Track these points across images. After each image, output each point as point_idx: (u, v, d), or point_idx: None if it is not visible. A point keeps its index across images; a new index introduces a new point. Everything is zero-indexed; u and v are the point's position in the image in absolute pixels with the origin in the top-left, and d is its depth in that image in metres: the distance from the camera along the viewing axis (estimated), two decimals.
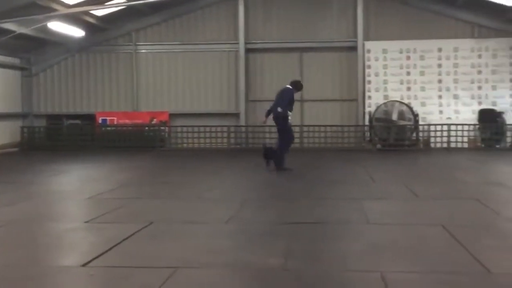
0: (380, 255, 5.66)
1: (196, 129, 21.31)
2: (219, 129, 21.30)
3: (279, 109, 13.05)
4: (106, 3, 19.45)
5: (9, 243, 6.37)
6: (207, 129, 21.24)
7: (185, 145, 21.48)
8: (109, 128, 21.85)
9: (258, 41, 21.97)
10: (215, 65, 22.21)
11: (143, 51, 22.46)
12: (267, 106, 22.09)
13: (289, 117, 13.38)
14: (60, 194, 10.19)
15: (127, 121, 21.97)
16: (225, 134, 21.33)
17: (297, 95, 20.34)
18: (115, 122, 22.02)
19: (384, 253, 5.73)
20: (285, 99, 13.14)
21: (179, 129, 21.65)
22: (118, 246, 6.12)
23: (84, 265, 5.33)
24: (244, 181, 12.35)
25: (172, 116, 22.13)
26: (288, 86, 13.47)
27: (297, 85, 13.68)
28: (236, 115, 22.00)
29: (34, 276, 5.03)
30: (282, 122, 13.20)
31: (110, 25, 21.89)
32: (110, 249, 5.96)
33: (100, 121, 22.04)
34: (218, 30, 22.14)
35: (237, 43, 21.84)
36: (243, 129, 21.77)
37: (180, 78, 22.35)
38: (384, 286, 4.65)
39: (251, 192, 10.53)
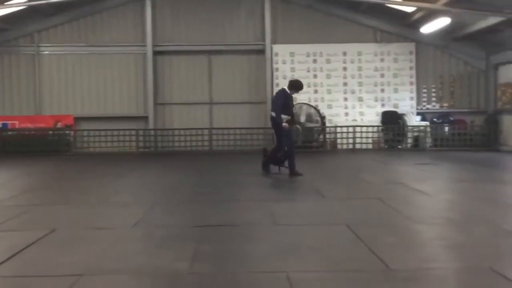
0: (286, 256, 5.74)
1: (103, 132, 20.85)
2: (127, 132, 20.94)
3: (272, 114, 12.74)
4: (6, 3, 18.70)
5: None
6: (115, 132, 20.83)
7: (92, 149, 20.96)
8: (10, 133, 20.97)
9: (166, 44, 21.80)
10: (123, 67, 21.84)
11: (46, 52, 21.74)
12: (177, 109, 22.26)
13: (284, 121, 12.55)
14: None
15: (29, 125, 21.15)
16: (134, 138, 20.99)
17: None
18: (17, 126, 21.16)
19: (290, 254, 5.82)
20: (277, 103, 12.59)
21: (85, 133, 21.11)
22: (19, 254, 5.88)
23: None
24: (153, 185, 12.20)
25: (78, 119, 21.55)
26: (284, 87, 12.89)
27: (293, 85, 12.76)
28: (145, 118, 21.72)
29: None
30: (276, 128, 12.74)
31: (10, 26, 21.07)
32: (10, 258, 5.72)
33: (0, 126, 21.11)
34: (125, 32, 21.79)
35: (145, 46, 21.59)
36: (152, 132, 21.51)
37: (85, 80, 21.81)
38: (289, 285, 4.72)
39: (160, 195, 10.40)
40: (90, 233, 6.96)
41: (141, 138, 21.25)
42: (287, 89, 12.65)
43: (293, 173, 12.67)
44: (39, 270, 5.35)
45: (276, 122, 12.58)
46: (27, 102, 21.69)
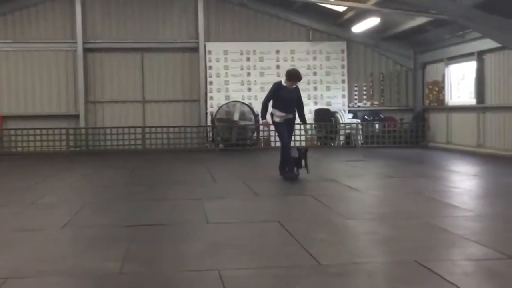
0: (218, 254, 5.74)
1: (32, 131, 20.25)
2: (57, 131, 20.42)
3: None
4: None
5: None
6: (44, 131, 20.28)
7: (19, 149, 20.32)
8: None
9: (97, 41, 21.38)
10: (52, 64, 21.27)
11: None
12: (109, 107, 21.87)
13: (275, 117, 11.58)
14: None
15: None
16: (64, 137, 20.49)
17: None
18: None
19: (223, 252, 5.82)
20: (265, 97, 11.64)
21: (12, 132, 20.44)
22: None
23: None
24: (84, 185, 11.96)
25: (5, 118, 20.84)
26: (280, 80, 11.71)
27: (287, 75, 11.40)
28: (76, 117, 21.23)
29: None
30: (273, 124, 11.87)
31: None
32: None
33: None
34: (55, 28, 21.23)
35: (75, 42, 21.09)
36: (83, 131, 21.05)
37: (13, 78, 21.11)
38: (221, 284, 4.72)
39: (91, 196, 10.21)
40: (18, 236, 6.75)
41: (71, 137, 20.77)
42: (283, 82, 11.40)
43: (282, 174, 11.65)
44: None
45: (273, 119, 11.64)
46: None
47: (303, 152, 11.49)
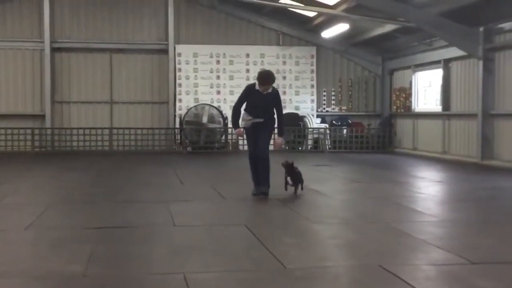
0: (184, 257, 5.72)
1: (16, 131, 19.92)
2: (22, 131, 20.10)
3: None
4: None
5: None
6: (9, 131, 19.96)
7: (1, 148, 19.94)
8: None
9: (65, 40, 21.15)
10: (18, 63, 20.97)
11: None
12: (76, 108, 21.62)
13: (241, 120, 9.91)
14: None
15: None
16: (29, 137, 20.18)
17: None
18: None
19: (189, 255, 5.81)
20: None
21: None
22: None
23: None
24: (48, 186, 11.78)
25: None
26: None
27: (258, 78, 9.66)
28: (41, 117, 20.94)
29: None
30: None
31: None
32: None
33: None
34: (21, 26, 20.94)
35: (42, 42, 20.82)
36: (49, 131, 20.76)
37: None
38: (185, 286, 4.71)
39: (55, 197, 10.07)
40: None
41: (37, 137, 20.47)
42: (257, 85, 9.65)
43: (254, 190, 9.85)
44: None
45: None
46: None
47: (288, 167, 9.73)
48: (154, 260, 5.66)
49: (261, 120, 9.65)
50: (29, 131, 20.21)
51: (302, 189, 9.98)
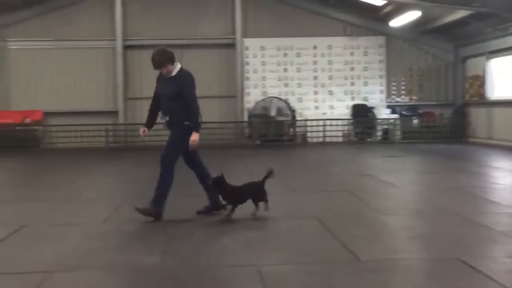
0: (257, 250, 5.76)
1: (72, 128, 20.61)
2: (96, 127, 20.73)
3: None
4: None
5: None
6: (84, 128, 20.61)
7: (61, 144, 20.70)
8: None
9: (137, 38, 21.60)
10: (92, 62, 21.59)
11: (14, 47, 21.37)
12: (147, 103, 21.97)
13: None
14: None
15: None
16: (103, 133, 20.79)
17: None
18: None
19: (261, 248, 5.85)
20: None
21: (54, 128, 20.84)
22: None
23: None
24: (122, 180, 12.11)
25: (47, 115, 21.23)
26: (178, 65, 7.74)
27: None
28: (114, 113, 21.52)
29: None
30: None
31: None
32: None
33: None
34: (95, 26, 21.54)
35: (115, 40, 21.37)
36: (122, 127, 21.32)
37: (55, 75, 21.50)
38: (259, 279, 4.74)
39: (130, 191, 10.34)
40: (59, 230, 6.88)
41: (110, 133, 21.06)
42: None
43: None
44: (7, 267, 5.28)
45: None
46: None
47: (217, 182, 7.42)
48: (228, 253, 5.73)
49: (167, 119, 7.69)
50: (102, 127, 20.81)
51: (263, 210, 7.44)
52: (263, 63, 21.75)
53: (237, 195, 7.32)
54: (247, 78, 21.68)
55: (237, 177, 11.75)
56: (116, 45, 21.37)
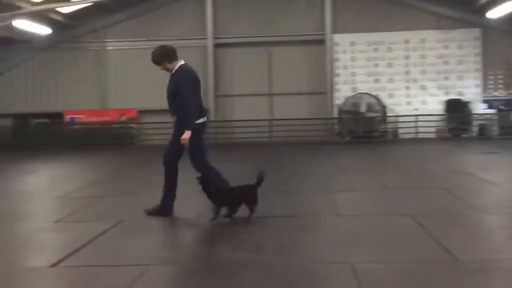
0: (350, 247, 5.70)
1: (165, 125, 21.10)
2: None
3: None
4: (72, 0, 19.22)
5: None
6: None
7: (154, 141, 21.31)
8: (77, 126, 21.61)
9: (227, 36, 21.94)
10: (184, 60, 22.02)
11: (111, 48, 22.25)
12: (237, 100, 22.38)
13: None
14: (28, 194, 10.03)
15: (95, 119, 21.73)
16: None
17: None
18: (83, 120, 21.77)
19: (354, 245, 5.78)
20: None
21: (148, 125, 21.51)
22: (88, 245, 6.05)
23: (53, 265, 5.26)
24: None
25: (142, 112, 21.95)
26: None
27: None
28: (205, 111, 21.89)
29: (3, 277, 4.95)
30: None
31: (76, 22, 21.65)
32: (80, 248, 5.89)
33: (68, 120, 21.77)
34: (186, 25, 22.06)
35: (206, 39, 21.78)
36: (213, 124, 21.68)
37: (148, 74, 22.03)
38: (353, 276, 4.69)
39: None
40: (156, 224, 7.08)
41: None
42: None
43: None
44: (108, 260, 5.49)
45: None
46: (93, 96, 22.26)
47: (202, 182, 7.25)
48: (320, 249, 5.70)
49: (174, 117, 7.47)
50: None
51: (251, 213, 7.09)
52: (353, 59, 21.51)
53: (222, 197, 7.13)
54: (337, 74, 21.50)
55: (328, 174, 11.71)
56: (207, 44, 21.77)
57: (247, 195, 7.13)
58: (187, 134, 7.09)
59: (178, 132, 7.25)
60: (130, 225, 6.99)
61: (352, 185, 10.04)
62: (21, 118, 22.45)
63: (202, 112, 7.42)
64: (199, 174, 7.22)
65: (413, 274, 4.77)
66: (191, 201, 8.74)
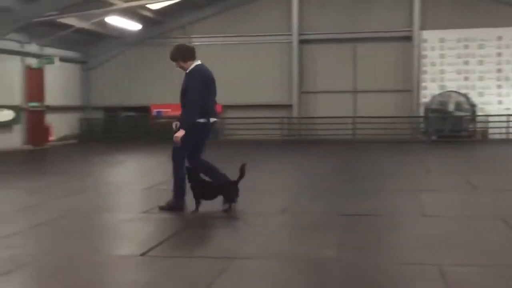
0: (436, 249, 5.55)
1: (248, 120, 21.40)
2: (271, 120, 21.33)
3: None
4: None
5: (68, 234, 6.53)
6: (260, 120, 21.30)
7: (237, 136, 21.60)
8: (163, 120, 22.14)
9: (312, 32, 21.84)
10: (268, 56, 22.21)
11: (197, 43, 22.55)
12: (320, 97, 22.27)
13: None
14: (116, 185, 10.40)
15: None
16: (278, 126, 21.33)
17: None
18: (169, 114, 22.27)
19: (441, 246, 5.63)
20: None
21: (232, 120, 21.78)
22: (175, 236, 6.21)
23: (142, 254, 5.42)
24: (297, 172, 12.33)
25: (225, 107, 22.23)
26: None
27: None
28: (289, 107, 21.95)
29: (94, 266, 5.15)
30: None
31: (165, 18, 22.18)
32: (167, 239, 6.05)
33: (154, 113, 22.36)
34: (271, 21, 22.12)
35: (291, 35, 21.79)
36: (296, 120, 21.72)
37: (233, 70, 22.42)
38: (441, 278, 4.56)
39: (304, 183, 10.47)
40: (239, 218, 7.15)
41: (285, 126, 21.55)
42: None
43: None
44: (194, 251, 5.61)
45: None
46: (180, 91, 22.69)
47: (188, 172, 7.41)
48: (405, 250, 5.60)
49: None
50: (277, 120, 21.37)
51: (228, 207, 7.27)
52: (441, 56, 20.91)
53: (203, 189, 7.26)
54: (424, 72, 20.97)
55: (413, 173, 11.46)
56: (292, 40, 21.77)
57: (225, 190, 7.29)
58: (180, 133, 7.25)
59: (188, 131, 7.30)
60: (214, 218, 7.09)
61: (439, 185, 9.78)
62: (111, 111, 23.26)
63: (212, 112, 7.67)
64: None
65: (505, 279, 4.59)
66: (275, 197, 8.81)
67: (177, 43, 8.03)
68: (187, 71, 7.48)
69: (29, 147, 19.03)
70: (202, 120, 7.46)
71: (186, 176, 7.31)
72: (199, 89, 7.37)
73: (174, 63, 7.58)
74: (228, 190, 7.31)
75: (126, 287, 4.66)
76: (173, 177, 7.53)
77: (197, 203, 7.24)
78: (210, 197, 7.33)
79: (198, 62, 7.56)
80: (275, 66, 22.21)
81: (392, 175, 11.25)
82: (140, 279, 4.84)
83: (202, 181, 7.36)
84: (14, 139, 18.80)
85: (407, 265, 5.04)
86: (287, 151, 17.56)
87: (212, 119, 7.61)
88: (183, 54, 7.48)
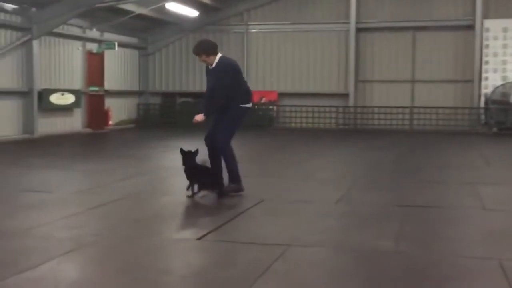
0: (498, 243, 5.43)
1: (304, 109, 21.33)
2: (327, 109, 21.20)
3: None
4: None
5: (127, 216, 6.67)
6: (315, 109, 21.20)
7: (293, 124, 21.57)
8: None
9: (370, 21, 21.55)
10: (325, 45, 22.03)
11: (254, 30, 22.66)
12: (377, 86, 21.96)
13: None
14: (173, 169, 10.52)
15: None
16: (333, 115, 21.19)
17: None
18: None
19: (503, 241, 5.50)
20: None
21: (287, 108, 21.75)
22: (231, 221, 6.26)
23: (199, 238, 5.49)
24: (353, 162, 12.24)
25: (281, 95, 22.23)
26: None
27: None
28: (345, 96, 21.75)
29: (152, 248, 5.25)
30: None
31: (223, 5, 22.26)
32: (223, 224, 6.11)
33: None
34: (329, 9, 21.92)
35: (348, 23, 21.54)
36: (352, 109, 21.51)
37: (289, 58, 22.37)
38: (502, 273, 4.46)
39: (360, 172, 10.41)
40: (295, 206, 7.17)
41: (341, 115, 21.38)
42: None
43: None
44: (250, 237, 5.64)
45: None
46: None
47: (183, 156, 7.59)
48: (465, 243, 5.49)
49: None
50: (333, 109, 21.22)
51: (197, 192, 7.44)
52: (504, 46, 20.27)
53: (193, 173, 7.42)
54: (486, 62, 20.40)
55: (473, 166, 11.21)
56: (350, 28, 21.52)
57: (206, 178, 7.47)
58: (200, 117, 7.67)
59: (229, 115, 7.72)
60: (270, 205, 7.13)
61: (499, 178, 9.55)
62: (169, 96, 23.56)
63: (249, 98, 7.96)
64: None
65: None
66: (331, 187, 8.78)
67: (200, 39, 8.92)
68: (214, 65, 7.71)
69: (89, 130, 19.52)
70: (247, 105, 7.85)
71: (182, 160, 7.48)
72: (232, 76, 7.66)
73: (197, 57, 7.87)
74: (207, 179, 7.48)
75: (183, 271, 4.73)
76: (226, 162, 7.75)
77: (189, 186, 7.43)
78: (196, 181, 7.43)
79: (220, 55, 7.80)
80: (332, 55, 22.02)
81: (451, 167, 11.04)
82: (196, 263, 4.91)
83: (195, 166, 7.49)
84: (75, 123, 19.33)
85: (466, 259, 4.95)
86: (342, 140, 17.44)
87: (250, 105, 8.00)
88: (208, 49, 7.71)
